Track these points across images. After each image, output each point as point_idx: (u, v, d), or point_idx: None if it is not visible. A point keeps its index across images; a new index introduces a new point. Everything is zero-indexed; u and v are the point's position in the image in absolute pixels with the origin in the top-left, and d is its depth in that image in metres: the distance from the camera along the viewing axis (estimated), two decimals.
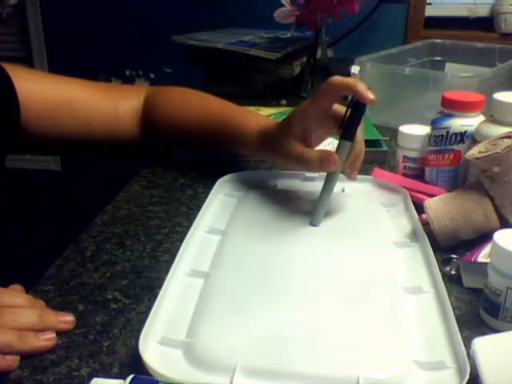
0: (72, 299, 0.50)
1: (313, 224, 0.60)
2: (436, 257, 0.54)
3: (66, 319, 0.46)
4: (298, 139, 0.62)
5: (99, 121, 0.75)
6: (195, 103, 0.78)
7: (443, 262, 0.55)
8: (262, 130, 0.68)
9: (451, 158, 0.67)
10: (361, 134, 0.61)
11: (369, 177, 0.71)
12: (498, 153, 0.56)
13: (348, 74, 0.59)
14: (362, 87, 0.56)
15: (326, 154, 0.59)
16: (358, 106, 0.58)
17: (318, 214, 0.60)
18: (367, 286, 0.50)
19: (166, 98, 0.79)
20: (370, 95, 0.56)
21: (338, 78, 0.58)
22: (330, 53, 1.29)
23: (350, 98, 0.59)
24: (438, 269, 0.52)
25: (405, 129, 0.73)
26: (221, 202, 0.66)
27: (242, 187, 0.70)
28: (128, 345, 0.45)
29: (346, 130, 0.59)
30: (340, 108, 0.60)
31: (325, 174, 0.62)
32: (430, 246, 0.55)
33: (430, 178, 0.70)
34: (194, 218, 0.60)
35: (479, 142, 0.62)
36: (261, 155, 0.71)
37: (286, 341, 0.43)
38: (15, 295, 0.48)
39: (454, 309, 0.46)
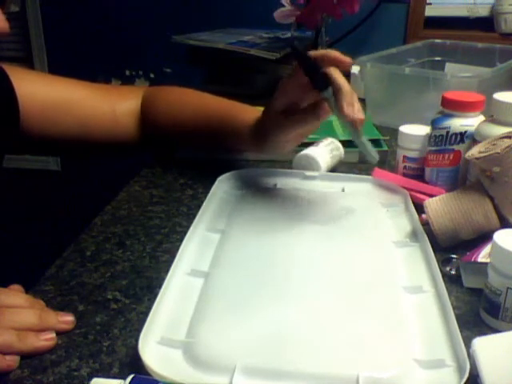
0: (72, 299, 0.50)
1: (371, 161, 0.59)
2: (436, 257, 0.54)
3: (66, 319, 0.46)
4: (282, 107, 0.62)
5: (97, 121, 0.75)
6: (193, 101, 0.78)
7: (443, 262, 0.55)
8: (256, 121, 0.68)
9: (451, 158, 0.67)
10: (338, 76, 0.58)
11: (369, 177, 0.71)
12: (498, 153, 0.56)
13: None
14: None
15: (318, 103, 0.58)
16: (298, 56, 0.57)
17: (368, 152, 0.58)
18: (367, 285, 0.50)
19: (163, 98, 0.79)
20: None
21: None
22: None
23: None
24: (438, 269, 0.52)
25: (405, 129, 0.73)
26: (220, 201, 0.66)
27: (242, 185, 0.70)
28: (128, 345, 0.45)
29: (311, 82, 0.58)
30: None
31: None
32: (430, 246, 0.55)
33: (430, 178, 0.70)
34: (194, 217, 0.60)
35: (479, 142, 0.61)
36: (256, 148, 0.71)
37: (286, 340, 0.43)
38: (15, 295, 0.48)
39: (453, 309, 0.46)
